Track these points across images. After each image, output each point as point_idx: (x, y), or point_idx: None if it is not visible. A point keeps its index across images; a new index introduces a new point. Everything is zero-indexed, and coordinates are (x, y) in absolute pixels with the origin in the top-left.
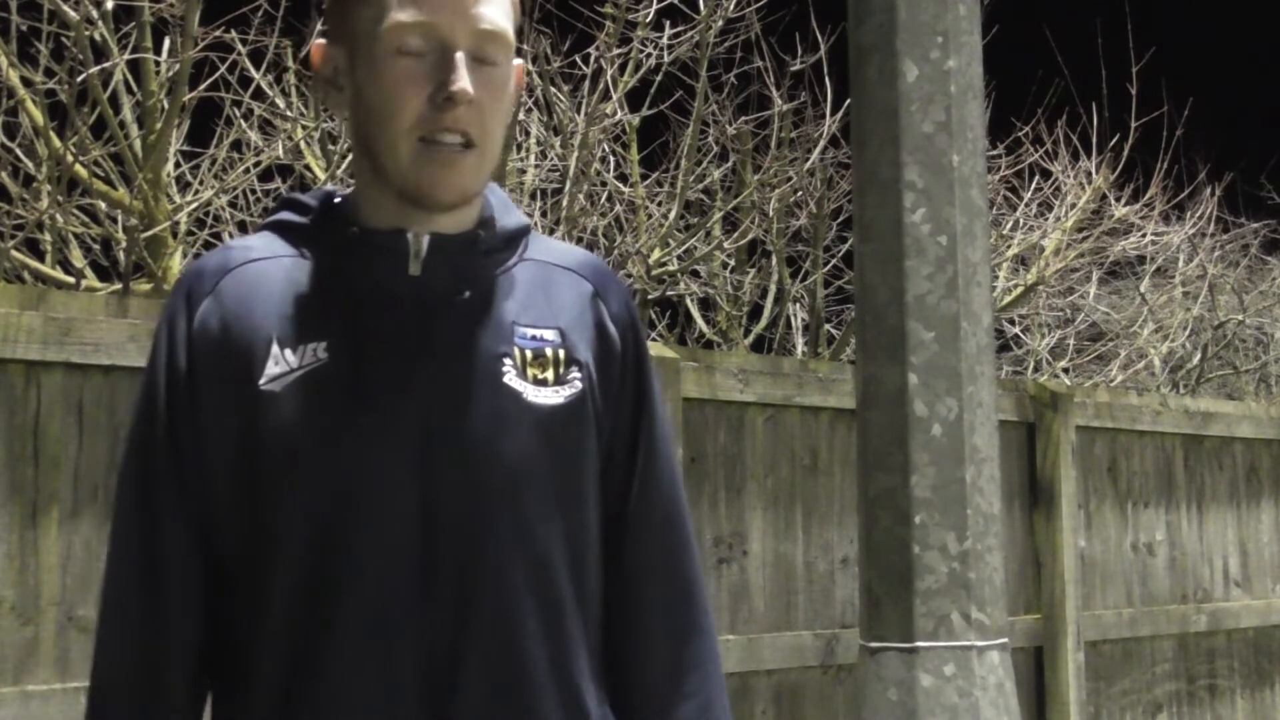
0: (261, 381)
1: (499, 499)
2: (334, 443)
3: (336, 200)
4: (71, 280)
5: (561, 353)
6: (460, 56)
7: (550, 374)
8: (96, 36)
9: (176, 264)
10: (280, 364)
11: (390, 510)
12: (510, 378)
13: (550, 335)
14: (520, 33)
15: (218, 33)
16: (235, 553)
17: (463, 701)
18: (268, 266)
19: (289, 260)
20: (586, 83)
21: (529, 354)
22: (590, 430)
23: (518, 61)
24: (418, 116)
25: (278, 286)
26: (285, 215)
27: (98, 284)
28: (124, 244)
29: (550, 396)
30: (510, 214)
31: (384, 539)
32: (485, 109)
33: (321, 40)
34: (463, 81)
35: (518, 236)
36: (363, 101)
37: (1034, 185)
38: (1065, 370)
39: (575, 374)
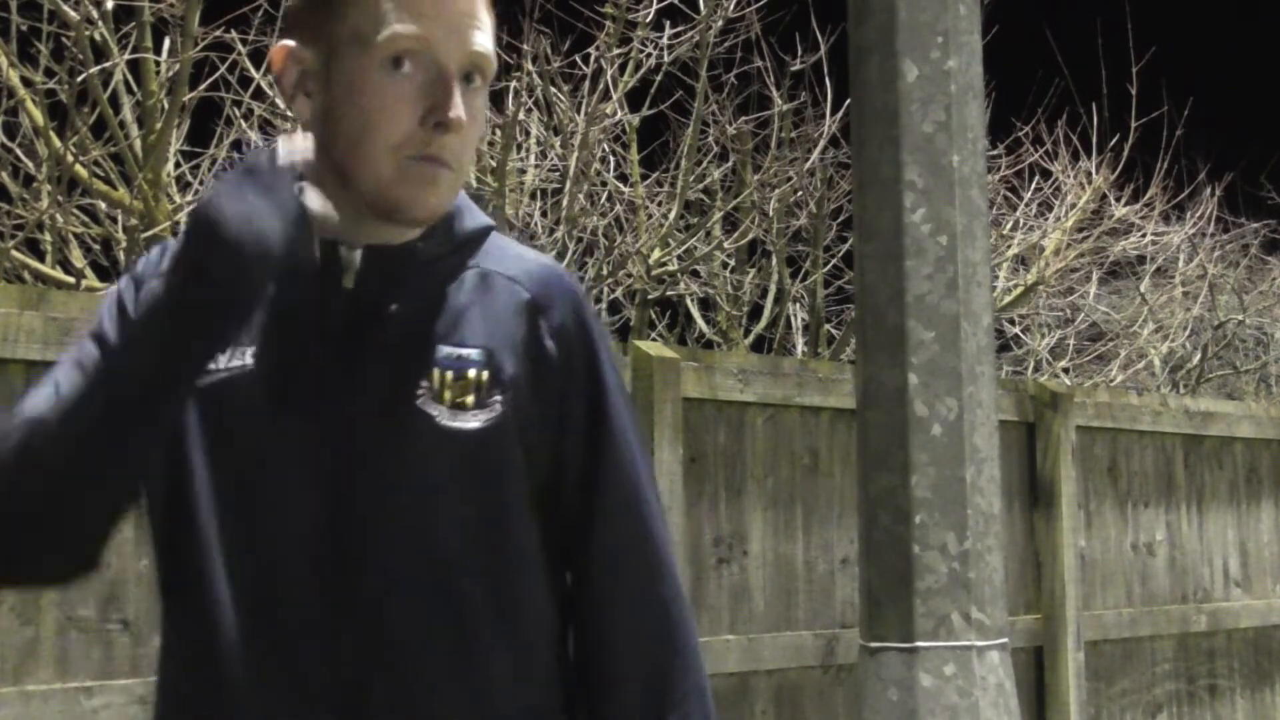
0: None
1: (406, 526)
2: (243, 455)
3: None
4: (71, 280)
5: (485, 375)
6: (455, 81)
7: (470, 397)
8: (96, 36)
9: None
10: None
11: (295, 532)
12: (424, 401)
13: (475, 355)
14: (520, 33)
15: (218, 33)
16: (153, 513)
17: None
18: None
19: None
20: (586, 83)
21: (449, 376)
22: (513, 453)
23: None
24: (405, 136)
25: None
26: None
27: (98, 284)
28: (124, 244)
29: (468, 420)
30: (471, 216)
31: (287, 562)
32: (468, 134)
33: (289, 42)
34: (459, 109)
35: (471, 242)
36: (339, 111)
37: (1034, 185)
38: (1065, 370)
39: (497, 397)
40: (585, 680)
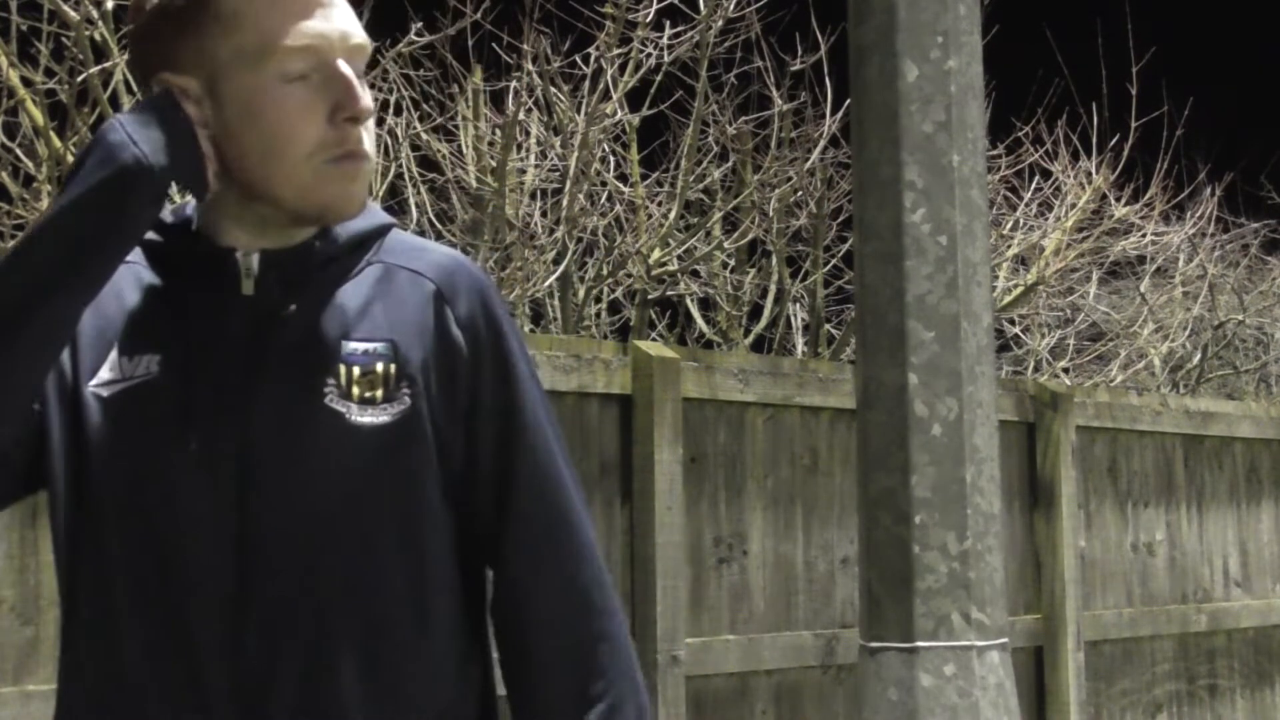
0: (92, 384)
1: (317, 526)
2: (151, 463)
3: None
4: None
5: (393, 367)
6: (353, 75)
7: (379, 391)
8: (96, 36)
9: None
10: (114, 370)
11: (205, 535)
12: (332, 399)
13: (381, 349)
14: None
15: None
16: (54, 523)
17: None
18: (124, 271)
19: (142, 269)
20: (586, 83)
21: (356, 371)
22: (425, 446)
23: None
24: (318, 141)
25: (129, 292)
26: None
27: None
28: None
29: (377, 415)
30: (367, 215)
31: (197, 564)
32: (370, 126)
33: (165, 74)
34: (365, 99)
35: (368, 239)
36: (239, 131)
37: (1034, 185)
38: (1065, 370)
39: (405, 390)
40: (509, 674)
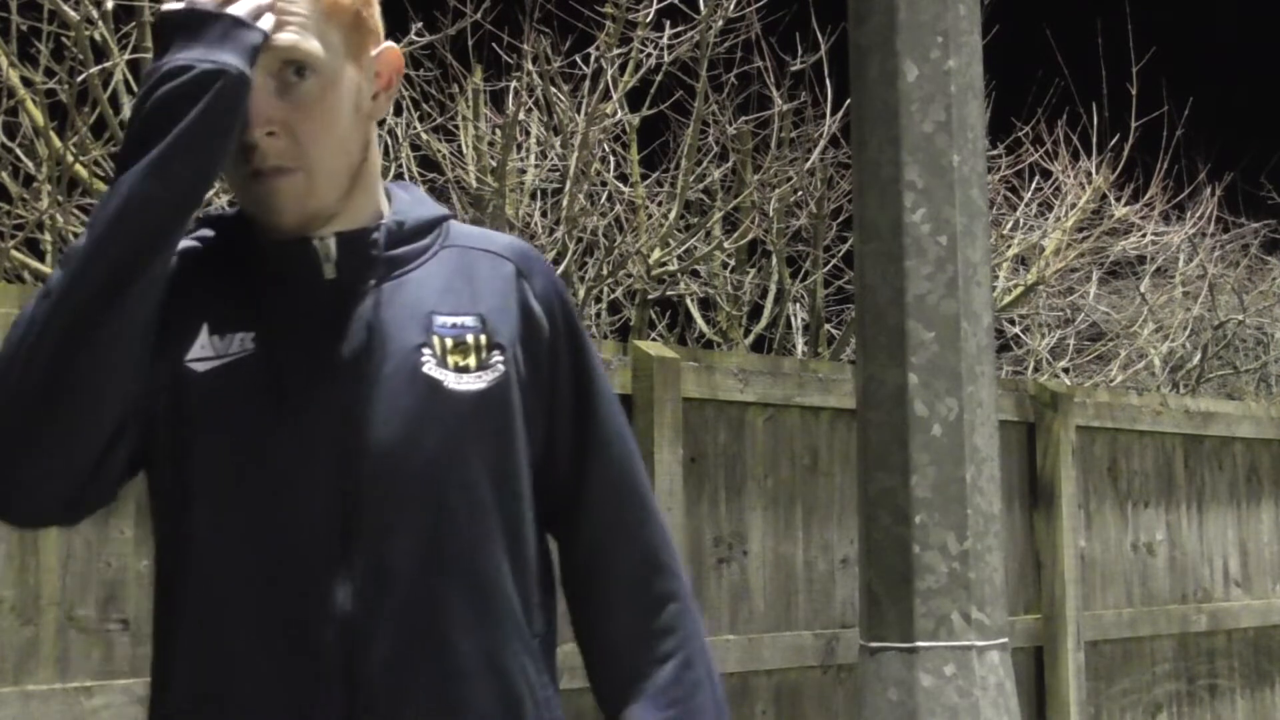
0: (187, 358)
1: (419, 491)
2: (255, 435)
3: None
4: None
5: (483, 338)
6: (255, 95)
7: (472, 360)
8: (96, 36)
9: None
10: (207, 348)
11: (307, 505)
12: (430, 367)
13: (470, 321)
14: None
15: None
16: (156, 487)
17: (387, 698)
18: (204, 259)
19: (220, 260)
20: (586, 83)
21: (449, 342)
22: (516, 412)
23: (388, 44)
24: (235, 160)
25: (209, 278)
26: (204, 232)
27: None
28: None
29: (473, 383)
30: (424, 207)
31: (302, 533)
32: (297, 130)
33: None
34: (250, 130)
35: (433, 225)
36: None
37: (1034, 185)
38: (1065, 370)
39: (498, 358)
40: (584, 633)
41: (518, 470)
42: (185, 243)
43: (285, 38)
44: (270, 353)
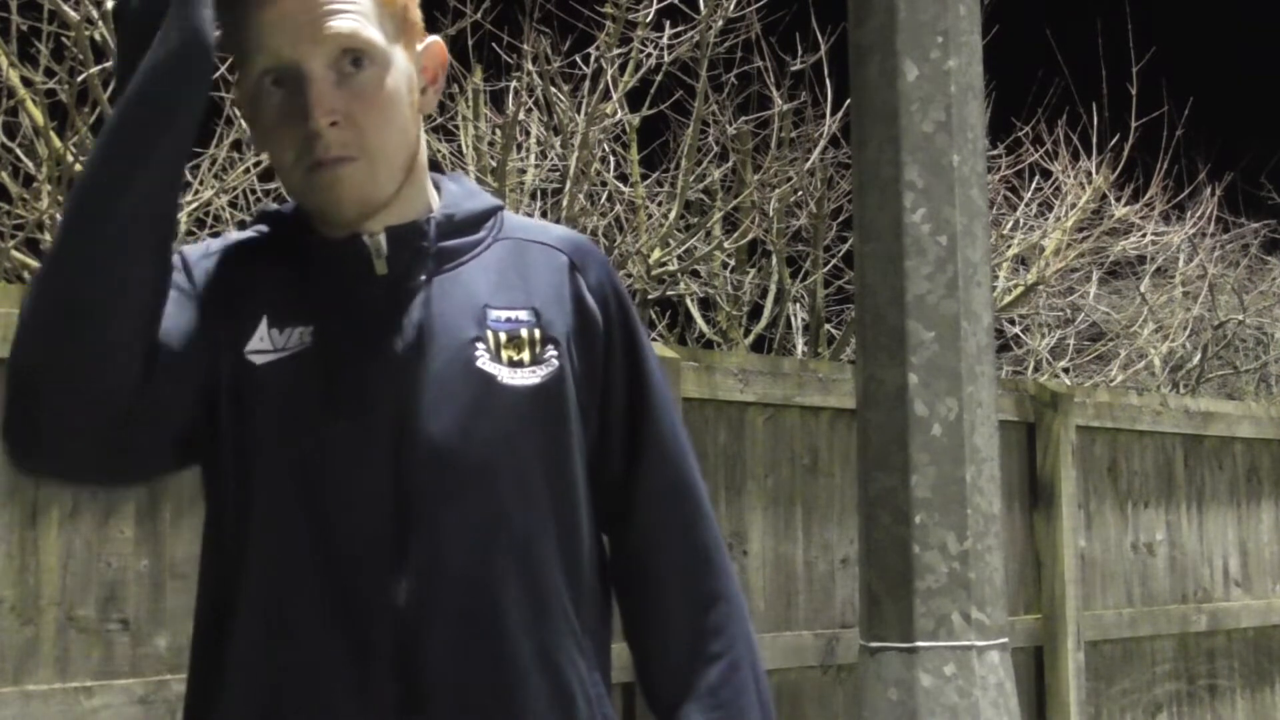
0: (246, 349)
1: (474, 485)
2: (311, 430)
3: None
4: None
5: (537, 332)
6: (316, 85)
7: (526, 354)
8: (96, 36)
9: None
10: (265, 341)
11: (363, 498)
12: (484, 362)
13: (524, 315)
14: (520, 33)
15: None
16: (212, 486)
17: (441, 693)
18: (260, 253)
19: (275, 255)
20: (586, 83)
21: (503, 336)
22: (570, 406)
23: (434, 38)
24: (297, 150)
25: (269, 271)
26: (261, 226)
27: None
28: None
29: (527, 377)
30: (476, 199)
31: (356, 526)
32: (359, 119)
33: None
34: (315, 119)
35: (485, 217)
36: (252, 129)
37: (1034, 185)
38: (1065, 370)
39: (552, 352)
40: (632, 629)
41: (571, 465)
42: (244, 235)
43: (344, 25)
44: (326, 347)
